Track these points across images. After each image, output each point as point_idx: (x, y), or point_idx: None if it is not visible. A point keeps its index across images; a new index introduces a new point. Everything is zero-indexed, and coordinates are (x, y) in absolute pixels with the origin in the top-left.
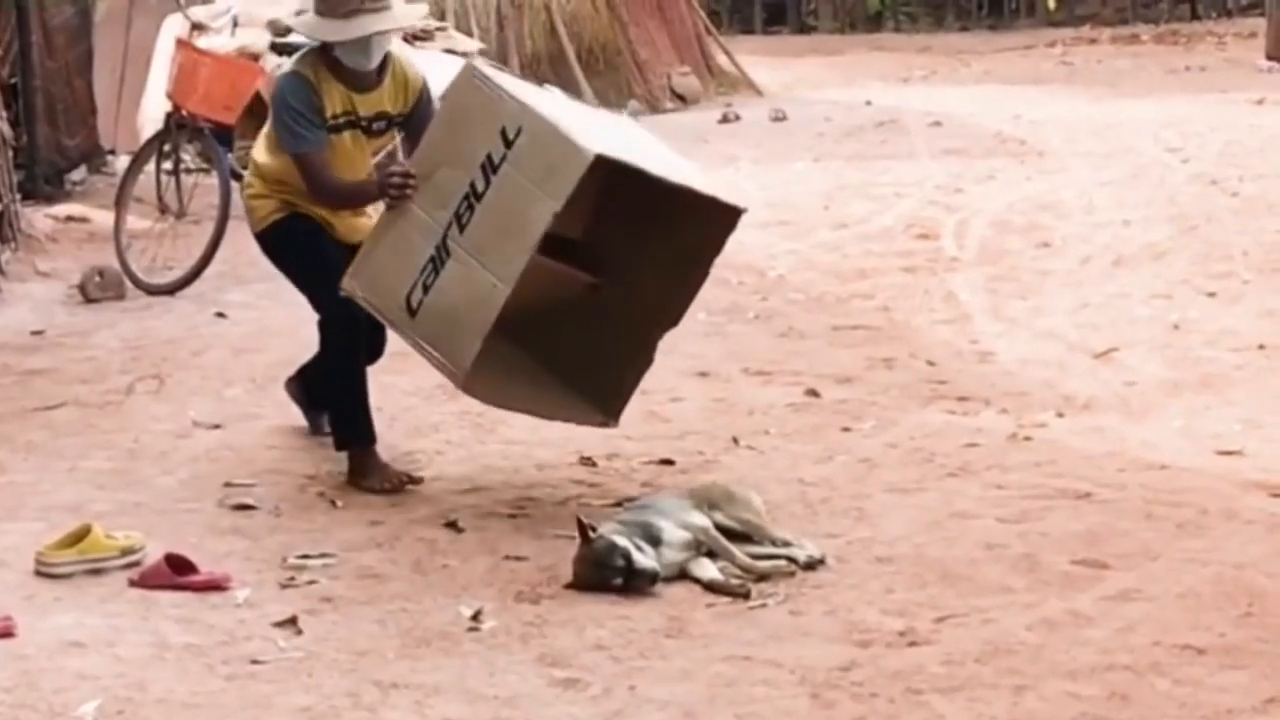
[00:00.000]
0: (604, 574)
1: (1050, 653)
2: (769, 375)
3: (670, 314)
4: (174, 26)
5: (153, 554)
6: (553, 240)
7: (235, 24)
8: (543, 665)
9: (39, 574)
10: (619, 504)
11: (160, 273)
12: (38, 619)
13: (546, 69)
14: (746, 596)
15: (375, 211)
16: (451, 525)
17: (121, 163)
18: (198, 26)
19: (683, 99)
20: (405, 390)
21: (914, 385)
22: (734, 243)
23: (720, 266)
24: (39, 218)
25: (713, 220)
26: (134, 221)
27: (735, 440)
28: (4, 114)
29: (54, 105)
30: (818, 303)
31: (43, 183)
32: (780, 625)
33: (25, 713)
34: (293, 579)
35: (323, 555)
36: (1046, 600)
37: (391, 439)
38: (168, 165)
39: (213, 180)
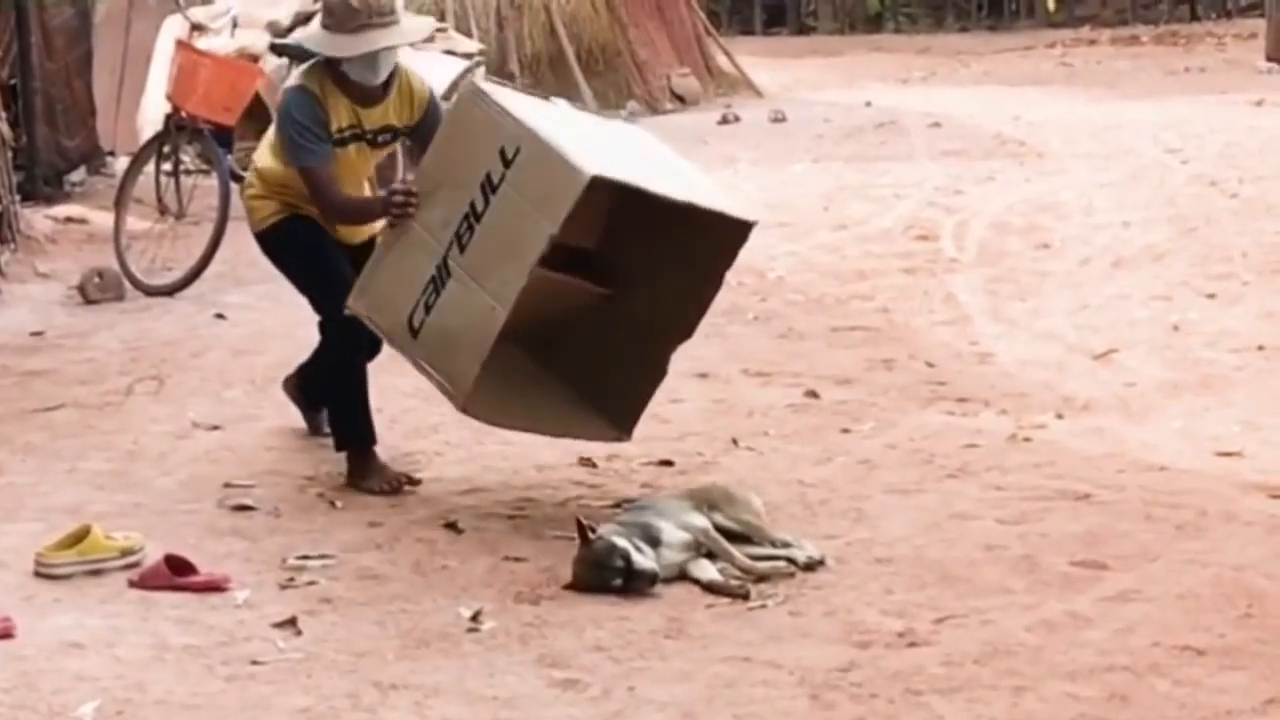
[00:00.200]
0: (603, 575)
1: (1049, 654)
2: (768, 376)
3: (683, 326)
4: (173, 28)
5: (152, 555)
6: (567, 250)
7: (235, 25)
8: (542, 666)
9: (38, 575)
10: (618, 505)
11: (159, 274)
12: (37, 620)
13: (546, 70)
14: (746, 597)
15: None
16: (451, 526)
17: (121, 164)
18: (197, 28)
19: (682, 100)
20: (405, 391)
21: (913, 386)
22: None
23: None
24: (38, 219)
25: (724, 232)
26: (133, 223)
27: (735, 441)
28: (3, 115)
29: (53, 106)
30: (817, 304)
31: (42, 184)
32: (779, 626)
33: (24, 713)
34: (292, 580)
35: (322, 556)
36: (1046, 601)
37: (391, 440)
38: (167, 166)
39: (212, 181)
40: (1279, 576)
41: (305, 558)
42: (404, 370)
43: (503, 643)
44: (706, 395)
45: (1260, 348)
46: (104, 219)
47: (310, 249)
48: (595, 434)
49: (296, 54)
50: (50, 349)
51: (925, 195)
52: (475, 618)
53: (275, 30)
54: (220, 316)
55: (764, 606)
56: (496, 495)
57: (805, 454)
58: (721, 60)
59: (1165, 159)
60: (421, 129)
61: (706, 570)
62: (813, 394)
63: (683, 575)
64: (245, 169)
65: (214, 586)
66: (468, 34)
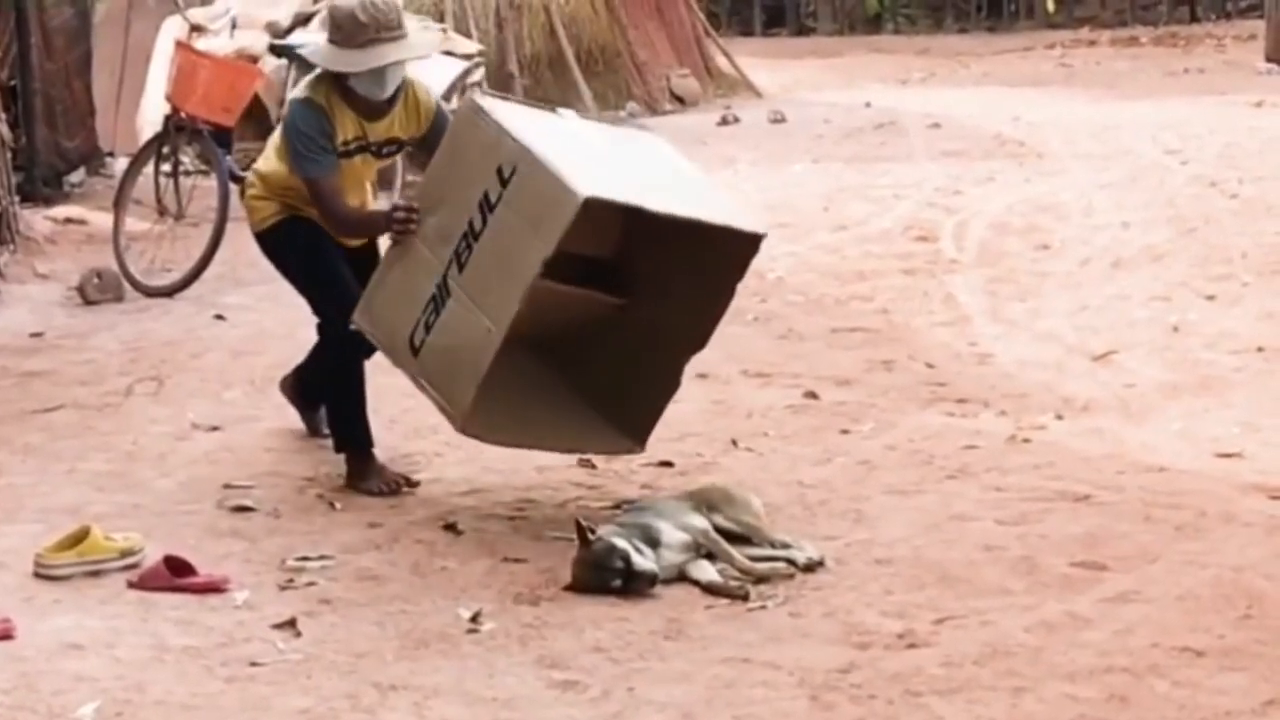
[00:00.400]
0: (603, 576)
1: (1049, 654)
2: (768, 377)
3: (696, 337)
4: (173, 28)
5: (151, 556)
6: (582, 260)
7: (234, 26)
8: (541, 667)
9: (38, 576)
10: (618, 506)
11: (159, 275)
12: (37, 621)
13: (545, 71)
14: (745, 598)
15: None
16: (450, 527)
17: (120, 165)
18: (196, 28)
19: (682, 101)
20: (404, 392)
21: (913, 387)
22: None
23: None
24: (38, 220)
25: (734, 244)
26: (133, 223)
27: (734, 442)
28: (3, 116)
29: (53, 107)
30: (817, 305)
31: (41, 185)
32: (779, 627)
33: (24, 714)
34: (291, 581)
35: (321, 557)
36: (1045, 602)
37: (390, 441)
38: (166, 167)
39: (211, 182)
40: (1278, 577)
41: (305, 559)
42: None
43: (502, 644)
44: (706, 396)
45: (1260, 349)
46: (103, 220)
47: (310, 250)
48: (607, 447)
49: (296, 55)
50: (49, 350)
51: (925, 196)
52: (475, 619)
53: (274, 31)
54: (219, 317)
55: (763, 607)
56: (496, 496)
57: (805, 455)
58: (721, 61)
59: (1165, 160)
60: (428, 140)
61: (706, 571)
62: (812, 395)
63: (682, 576)
64: (244, 169)
65: (213, 587)
66: (467, 35)
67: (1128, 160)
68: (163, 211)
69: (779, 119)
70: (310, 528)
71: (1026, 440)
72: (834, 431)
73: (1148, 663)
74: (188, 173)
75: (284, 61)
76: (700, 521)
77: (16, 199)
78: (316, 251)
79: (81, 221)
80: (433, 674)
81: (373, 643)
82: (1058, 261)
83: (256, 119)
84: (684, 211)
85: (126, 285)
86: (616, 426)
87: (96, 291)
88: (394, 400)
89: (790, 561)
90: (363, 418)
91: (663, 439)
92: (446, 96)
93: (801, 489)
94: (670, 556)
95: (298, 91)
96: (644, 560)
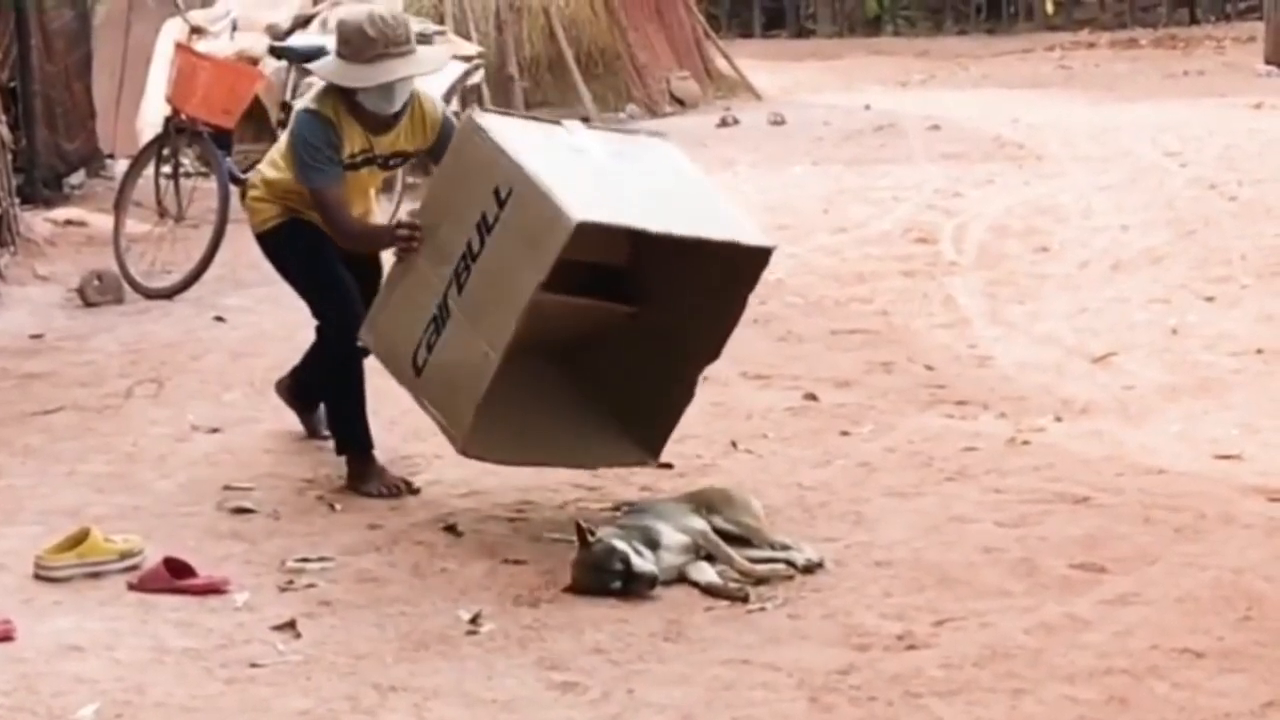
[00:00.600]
0: (602, 578)
1: (1048, 656)
2: (767, 379)
3: (709, 348)
4: (173, 30)
5: (151, 557)
6: (594, 269)
7: (234, 28)
8: (541, 669)
9: (38, 577)
10: (617, 508)
11: (159, 276)
12: (36, 622)
13: (545, 73)
14: (745, 600)
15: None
16: (450, 529)
17: (120, 166)
18: (196, 30)
19: (681, 103)
20: (404, 394)
21: (912, 389)
22: None
23: None
24: (38, 221)
25: (743, 257)
26: (133, 225)
27: (734, 444)
28: (3, 118)
29: (53, 109)
30: (816, 306)
31: (41, 186)
32: (778, 629)
33: (24, 716)
34: (291, 582)
35: (321, 559)
36: (1044, 604)
37: (390, 443)
38: (166, 169)
39: (211, 184)
40: (1278, 579)
41: (304, 560)
42: None
43: (502, 645)
44: (705, 398)
45: (1259, 351)
46: (103, 222)
47: (310, 252)
48: (619, 459)
49: (296, 57)
50: (49, 352)
51: (924, 198)
52: (474, 620)
53: (274, 33)
54: (220, 319)
55: (763, 609)
56: (496, 498)
57: (804, 457)
58: (721, 63)
59: (1164, 162)
60: (435, 151)
61: (705, 573)
62: (812, 397)
63: (682, 578)
64: (245, 171)
65: (213, 589)
66: (466, 37)
67: (1127, 162)
68: (163, 213)
69: (778, 121)
70: (310, 529)
71: (1026, 442)
72: (833, 433)
73: (1147, 664)
74: (188, 175)
75: (284, 64)
76: (700, 523)
77: (16, 201)
78: (317, 254)
79: (81, 223)
80: (432, 675)
81: (372, 644)
82: (1057, 264)
83: (256, 121)
84: (686, 230)
85: (126, 287)
86: (630, 438)
87: (96, 293)
88: (394, 402)
89: (790, 563)
90: (363, 419)
91: None
92: (446, 98)
93: (801, 491)
94: (670, 558)
95: (305, 103)
96: (644, 562)
